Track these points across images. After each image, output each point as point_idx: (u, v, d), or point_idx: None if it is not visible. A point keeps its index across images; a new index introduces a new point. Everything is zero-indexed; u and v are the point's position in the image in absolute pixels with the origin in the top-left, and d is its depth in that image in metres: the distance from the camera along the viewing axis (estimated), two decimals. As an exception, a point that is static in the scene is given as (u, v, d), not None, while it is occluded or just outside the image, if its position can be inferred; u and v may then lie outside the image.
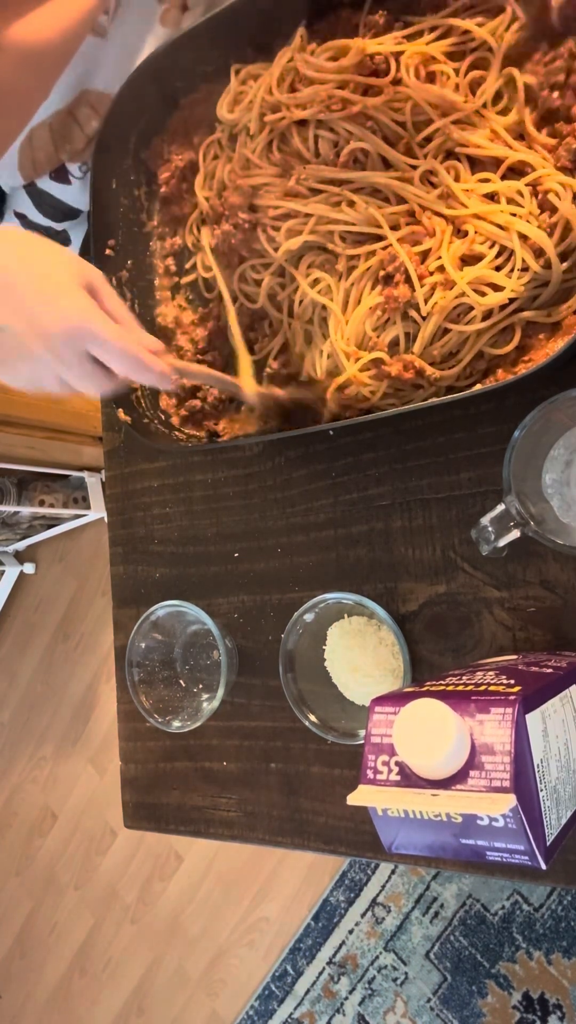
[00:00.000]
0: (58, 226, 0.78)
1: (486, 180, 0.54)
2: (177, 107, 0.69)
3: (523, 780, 0.35)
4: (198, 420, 0.69)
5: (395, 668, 0.61)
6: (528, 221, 0.52)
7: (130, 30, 0.68)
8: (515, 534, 0.49)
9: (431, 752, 0.36)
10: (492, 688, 0.39)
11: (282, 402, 0.62)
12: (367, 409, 0.59)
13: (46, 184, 0.73)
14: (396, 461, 0.62)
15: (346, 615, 0.63)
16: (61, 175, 0.73)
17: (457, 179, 0.55)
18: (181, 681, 0.74)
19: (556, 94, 0.52)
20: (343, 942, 1.52)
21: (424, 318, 0.55)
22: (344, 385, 0.58)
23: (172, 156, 0.69)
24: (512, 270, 0.53)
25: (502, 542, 0.50)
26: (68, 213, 0.76)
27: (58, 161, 0.72)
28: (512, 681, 0.40)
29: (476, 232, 0.54)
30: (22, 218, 0.77)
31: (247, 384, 0.61)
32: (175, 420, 0.69)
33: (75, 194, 0.74)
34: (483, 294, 0.53)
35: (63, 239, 0.79)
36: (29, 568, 2.13)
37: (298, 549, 0.68)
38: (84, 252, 0.81)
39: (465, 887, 1.40)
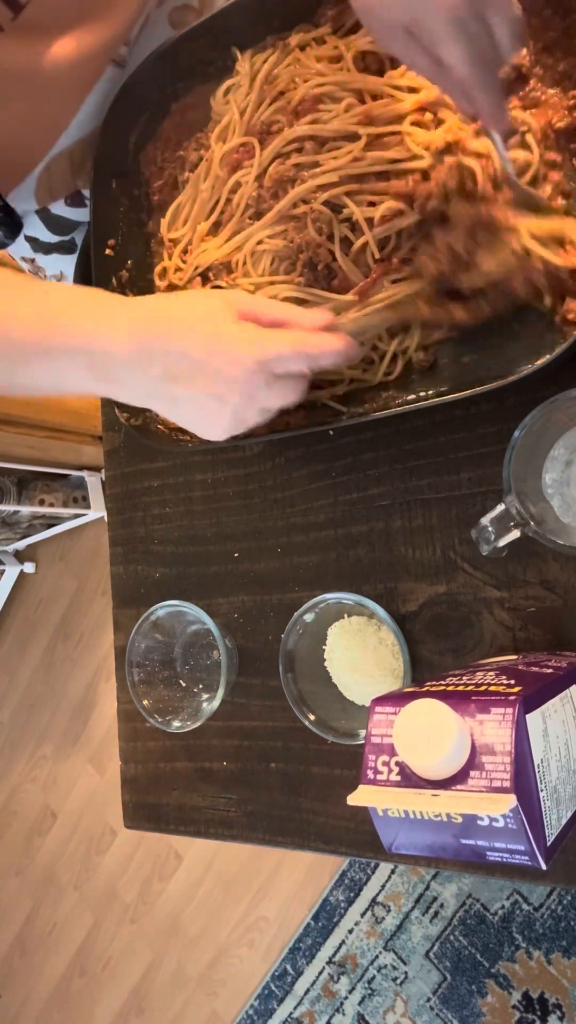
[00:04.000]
0: (67, 237, 0.78)
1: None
2: (169, 113, 0.69)
3: (523, 780, 0.35)
4: None
5: (395, 668, 0.61)
6: None
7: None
8: (515, 534, 0.49)
9: (431, 752, 0.36)
10: (492, 688, 0.39)
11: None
12: None
13: (59, 209, 0.73)
14: (396, 461, 0.62)
15: (346, 615, 0.63)
16: (76, 200, 0.73)
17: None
18: (181, 681, 0.74)
19: None
20: (343, 942, 1.52)
21: None
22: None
23: (164, 163, 0.69)
24: None
25: (502, 542, 0.50)
26: (75, 225, 0.77)
27: (74, 187, 0.72)
28: (512, 681, 0.40)
29: None
30: (33, 241, 0.77)
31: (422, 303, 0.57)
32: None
33: (86, 213, 0.74)
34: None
35: (70, 247, 0.79)
36: (29, 567, 2.13)
37: (298, 549, 0.68)
38: (84, 252, 0.81)
39: (465, 887, 1.40)
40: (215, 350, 0.49)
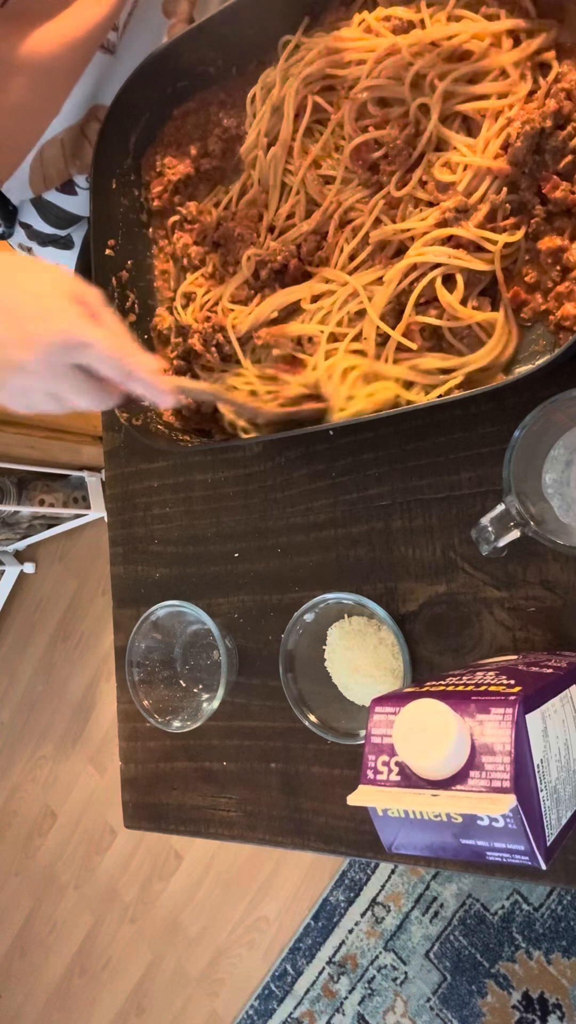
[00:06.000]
0: (62, 232, 0.78)
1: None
2: (171, 118, 0.69)
3: (523, 780, 0.35)
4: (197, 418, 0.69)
5: (395, 668, 0.61)
6: None
7: (140, 46, 0.68)
8: (515, 534, 0.49)
9: (431, 752, 0.36)
10: (492, 688, 0.39)
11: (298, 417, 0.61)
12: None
13: (52, 196, 0.73)
14: (396, 461, 0.63)
15: (346, 615, 0.63)
16: (68, 187, 0.73)
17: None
18: (181, 681, 0.74)
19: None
20: (343, 942, 1.52)
21: None
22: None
23: (165, 169, 0.69)
24: None
25: (502, 542, 0.50)
26: (72, 220, 0.77)
27: (67, 175, 0.72)
28: (512, 681, 0.40)
29: None
30: (27, 227, 0.77)
31: (264, 404, 0.60)
32: (175, 420, 0.69)
33: (81, 204, 0.74)
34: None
35: (66, 243, 0.79)
36: (29, 568, 2.13)
37: (298, 549, 0.68)
38: (84, 252, 0.81)
39: (465, 887, 1.40)
40: (30, 310, 0.48)
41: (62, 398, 0.51)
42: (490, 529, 0.50)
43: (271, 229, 0.63)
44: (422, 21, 0.56)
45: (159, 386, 0.51)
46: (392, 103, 0.57)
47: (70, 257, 0.81)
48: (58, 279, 0.50)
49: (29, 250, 0.83)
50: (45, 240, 0.79)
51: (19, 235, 0.79)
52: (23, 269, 0.51)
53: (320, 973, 1.54)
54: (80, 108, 0.68)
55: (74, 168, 0.72)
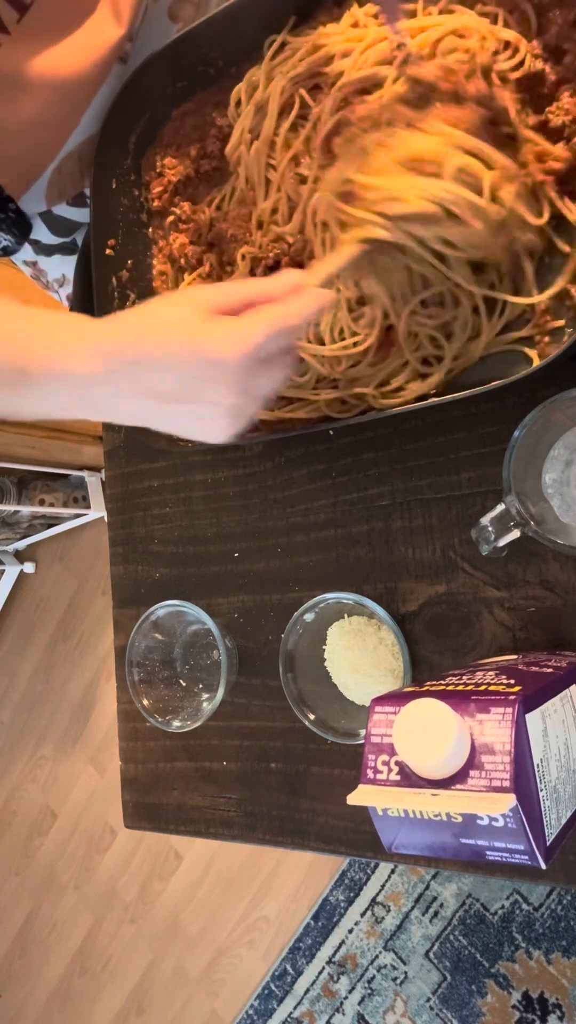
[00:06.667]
0: (68, 239, 0.78)
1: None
2: (170, 118, 0.69)
3: (523, 780, 0.35)
4: None
5: (395, 668, 0.61)
6: None
7: (150, 52, 0.68)
8: (515, 534, 0.49)
9: (431, 752, 0.36)
10: (492, 688, 0.39)
11: None
12: None
13: (62, 210, 0.73)
14: (396, 461, 0.63)
15: (346, 615, 0.63)
16: (79, 199, 0.73)
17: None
18: (181, 681, 0.74)
19: None
20: (343, 941, 1.52)
21: None
22: None
23: (165, 170, 0.69)
24: None
25: (502, 542, 0.50)
26: (76, 226, 0.77)
27: (82, 187, 0.72)
28: (512, 681, 0.40)
29: None
30: (35, 243, 0.77)
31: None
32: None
33: (87, 214, 0.75)
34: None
35: (72, 248, 0.79)
36: (29, 568, 2.13)
37: (298, 549, 0.68)
38: (84, 252, 0.81)
39: (465, 887, 1.40)
40: (195, 358, 0.46)
41: (268, 396, 0.50)
42: (490, 529, 0.50)
43: (260, 225, 0.63)
44: (413, 11, 0.56)
45: (323, 302, 0.49)
46: (373, 91, 0.57)
47: (75, 263, 0.81)
48: (182, 315, 0.47)
49: (34, 264, 0.83)
50: (52, 250, 0.79)
51: (24, 251, 0.79)
52: (154, 331, 0.48)
53: (320, 973, 1.54)
54: (98, 119, 0.68)
55: (88, 179, 0.72)
